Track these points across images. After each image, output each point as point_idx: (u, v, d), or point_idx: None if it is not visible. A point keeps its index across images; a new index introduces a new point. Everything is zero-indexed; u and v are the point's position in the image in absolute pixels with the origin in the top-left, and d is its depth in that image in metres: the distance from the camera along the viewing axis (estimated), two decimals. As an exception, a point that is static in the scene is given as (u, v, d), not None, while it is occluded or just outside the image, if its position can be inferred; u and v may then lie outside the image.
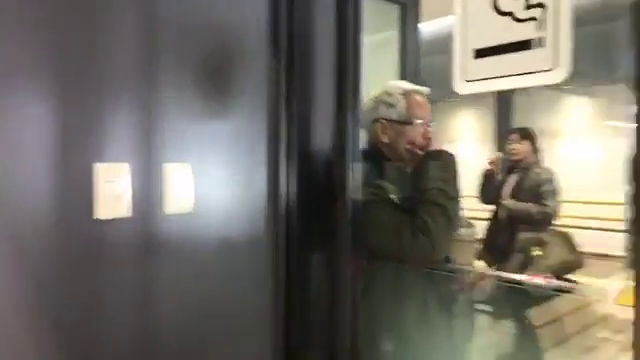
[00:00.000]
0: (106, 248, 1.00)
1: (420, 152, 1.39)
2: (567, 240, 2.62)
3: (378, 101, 1.46)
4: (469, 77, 1.08)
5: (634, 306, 0.79)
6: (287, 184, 1.27)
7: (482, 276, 2.02)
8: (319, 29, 1.30)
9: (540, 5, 0.97)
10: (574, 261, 2.54)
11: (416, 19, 2.19)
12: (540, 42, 0.97)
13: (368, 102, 1.47)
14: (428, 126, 1.43)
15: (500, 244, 3.10)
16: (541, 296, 1.85)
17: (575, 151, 8.48)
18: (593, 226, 6.30)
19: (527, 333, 1.92)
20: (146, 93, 1.06)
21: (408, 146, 1.42)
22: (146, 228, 1.06)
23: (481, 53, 1.06)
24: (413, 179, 1.34)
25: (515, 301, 1.94)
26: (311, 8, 1.30)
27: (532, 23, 0.98)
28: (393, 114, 1.42)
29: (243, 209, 1.23)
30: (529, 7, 0.99)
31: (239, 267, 1.22)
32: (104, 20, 1.00)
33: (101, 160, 0.99)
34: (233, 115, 1.21)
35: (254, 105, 1.24)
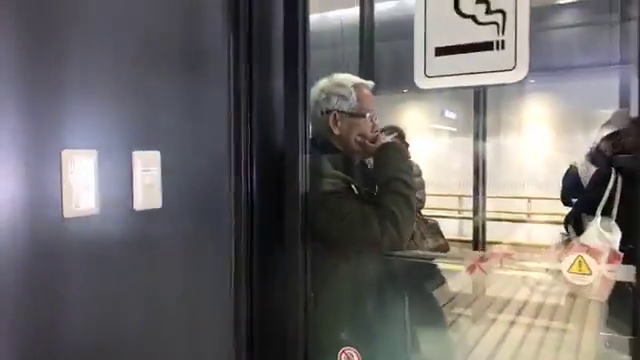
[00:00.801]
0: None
1: (371, 144, 1.45)
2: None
3: (330, 93, 1.47)
4: (429, 73, 1.16)
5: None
6: (248, 178, 1.23)
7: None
8: (276, 16, 1.27)
9: (500, 11, 1.09)
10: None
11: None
12: (500, 44, 1.08)
13: (317, 93, 1.48)
14: (376, 119, 1.49)
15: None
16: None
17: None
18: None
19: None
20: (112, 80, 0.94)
21: (359, 138, 1.46)
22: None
23: (442, 51, 1.14)
24: (375, 170, 1.39)
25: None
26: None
27: (493, 26, 1.09)
28: (345, 106, 1.44)
29: (207, 205, 1.16)
30: (490, 12, 1.10)
31: (202, 263, 1.15)
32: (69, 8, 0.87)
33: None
34: (197, 106, 1.14)
35: (216, 98, 1.18)
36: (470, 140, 4.11)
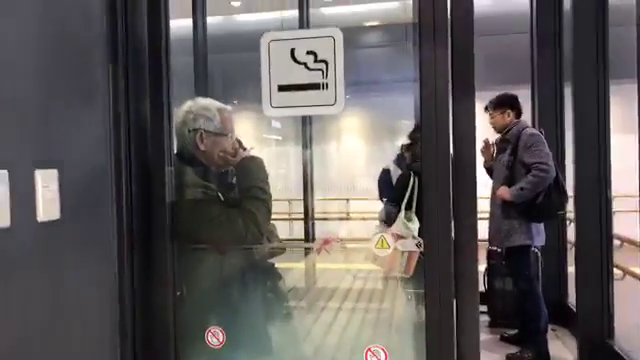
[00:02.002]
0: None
1: (232, 159, 1.70)
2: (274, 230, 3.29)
3: (196, 114, 1.69)
4: (274, 104, 1.47)
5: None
6: (128, 191, 1.40)
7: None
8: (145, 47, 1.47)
9: (324, 61, 1.44)
10: (281, 245, 3.21)
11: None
12: (325, 85, 1.43)
13: (184, 114, 1.69)
14: (234, 137, 1.75)
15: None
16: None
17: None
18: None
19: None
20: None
21: (221, 153, 1.71)
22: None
23: (283, 88, 1.46)
24: (237, 180, 1.65)
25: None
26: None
27: (319, 72, 1.44)
28: (211, 126, 1.68)
29: (94, 213, 1.30)
30: (317, 61, 1.44)
31: (91, 263, 1.30)
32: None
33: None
34: (85, 127, 1.29)
35: (99, 119, 1.34)
36: (294, 148, 4.47)
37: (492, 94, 3.74)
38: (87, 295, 1.29)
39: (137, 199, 1.43)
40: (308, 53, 1.44)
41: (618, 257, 3.55)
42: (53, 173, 1.15)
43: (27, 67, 1.11)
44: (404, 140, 3.32)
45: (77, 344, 1.25)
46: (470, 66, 1.36)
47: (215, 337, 1.58)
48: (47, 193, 1.12)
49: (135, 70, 1.44)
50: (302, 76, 1.45)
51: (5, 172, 1.02)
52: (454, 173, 1.37)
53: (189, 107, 1.73)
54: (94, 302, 1.31)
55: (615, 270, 3.38)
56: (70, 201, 1.21)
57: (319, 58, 1.44)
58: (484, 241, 3.59)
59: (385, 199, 3.43)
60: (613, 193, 3.22)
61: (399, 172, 3.29)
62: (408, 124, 3.39)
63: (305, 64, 1.45)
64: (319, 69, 1.44)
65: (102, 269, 1.35)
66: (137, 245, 1.44)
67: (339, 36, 1.43)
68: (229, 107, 1.80)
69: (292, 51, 1.45)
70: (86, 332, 1.28)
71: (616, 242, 3.83)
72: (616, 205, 3.70)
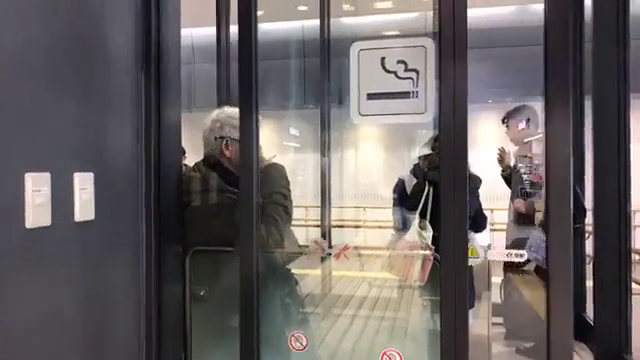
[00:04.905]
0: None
1: None
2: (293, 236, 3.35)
3: (223, 122, 1.76)
4: (362, 112, 1.49)
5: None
6: (156, 194, 1.46)
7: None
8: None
9: (415, 70, 1.45)
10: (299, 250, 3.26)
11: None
12: (415, 94, 1.44)
13: (212, 122, 1.76)
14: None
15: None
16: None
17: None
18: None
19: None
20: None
21: None
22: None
23: (372, 96, 1.47)
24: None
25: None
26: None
27: (410, 81, 1.44)
28: (236, 134, 1.74)
29: (125, 215, 1.37)
30: (407, 70, 1.45)
31: (121, 261, 1.37)
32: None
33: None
34: (117, 134, 1.36)
35: (131, 125, 1.41)
36: (312, 155, 4.50)
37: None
38: (115, 294, 1.35)
39: (165, 202, 1.49)
40: (398, 62, 1.46)
41: (637, 272, 3.51)
42: (89, 176, 1.22)
43: (63, 75, 1.18)
44: (421, 150, 3.35)
45: (104, 339, 1.31)
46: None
47: (299, 341, 1.62)
48: (84, 195, 1.18)
49: (166, 75, 1.50)
50: (392, 85, 1.46)
51: (48, 174, 1.08)
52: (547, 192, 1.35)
53: (216, 115, 1.80)
54: (122, 301, 1.37)
55: (634, 285, 3.34)
56: (103, 203, 1.27)
57: (409, 67, 1.45)
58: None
59: (399, 208, 3.47)
60: (632, 207, 3.20)
61: (414, 181, 3.32)
62: (423, 133, 3.42)
63: (395, 73, 1.46)
64: (409, 78, 1.45)
65: (130, 269, 1.41)
66: (164, 246, 1.50)
67: (431, 46, 1.44)
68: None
69: (382, 60, 1.47)
70: (113, 328, 1.34)
71: (635, 256, 3.80)
72: (636, 220, 3.66)
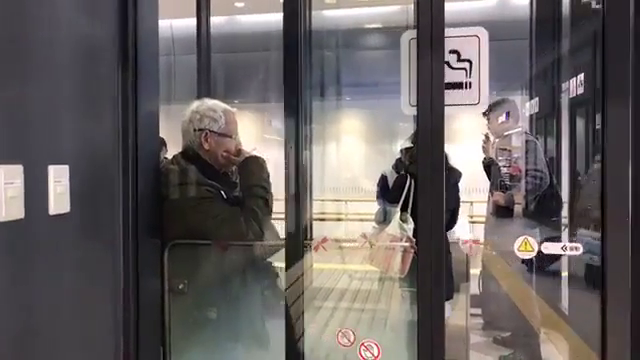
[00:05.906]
0: None
1: (235, 158, 1.75)
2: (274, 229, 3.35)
3: (203, 114, 1.74)
4: (413, 102, 1.43)
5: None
6: (134, 188, 1.45)
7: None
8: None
9: (468, 60, 1.42)
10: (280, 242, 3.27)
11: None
12: (468, 85, 1.41)
13: (191, 113, 1.74)
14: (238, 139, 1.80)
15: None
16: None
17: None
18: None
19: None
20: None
21: (224, 154, 1.76)
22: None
23: None
24: (239, 179, 1.71)
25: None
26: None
27: (462, 71, 1.42)
28: (215, 127, 1.74)
29: (102, 207, 1.35)
30: (460, 60, 1.43)
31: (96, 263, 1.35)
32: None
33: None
34: (97, 128, 1.35)
35: (109, 119, 1.39)
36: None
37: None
38: (92, 287, 1.34)
39: (143, 196, 1.48)
40: (451, 52, 1.42)
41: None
42: (65, 169, 1.20)
43: (39, 66, 1.16)
44: (403, 144, 3.38)
45: (81, 332, 1.30)
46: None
47: (346, 337, 1.61)
48: (58, 187, 1.17)
49: (144, 67, 1.49)
50: (445, 75, 1.41)
51: (20, 167, 1.07)
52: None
53: (196, 107, 1.79)
54: (99, 294, 1.36)
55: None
56: (79, 196, 1.26)
57: (462, 57, 1.42)
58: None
59: (382, 201, 3.50)
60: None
61: (395, 175, 3.35)
62: (405, 126, 3.45)
63: (447, 63, 1.42)
64: (462, 68, 1.42)
65: (107, 262, 1.40)
66: (142, 240, 1.49)
67: (484, 36, 1.41)
68: (234, 109, 1.85)
69: None
70: (90, 322, 1.34)
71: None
72: None
